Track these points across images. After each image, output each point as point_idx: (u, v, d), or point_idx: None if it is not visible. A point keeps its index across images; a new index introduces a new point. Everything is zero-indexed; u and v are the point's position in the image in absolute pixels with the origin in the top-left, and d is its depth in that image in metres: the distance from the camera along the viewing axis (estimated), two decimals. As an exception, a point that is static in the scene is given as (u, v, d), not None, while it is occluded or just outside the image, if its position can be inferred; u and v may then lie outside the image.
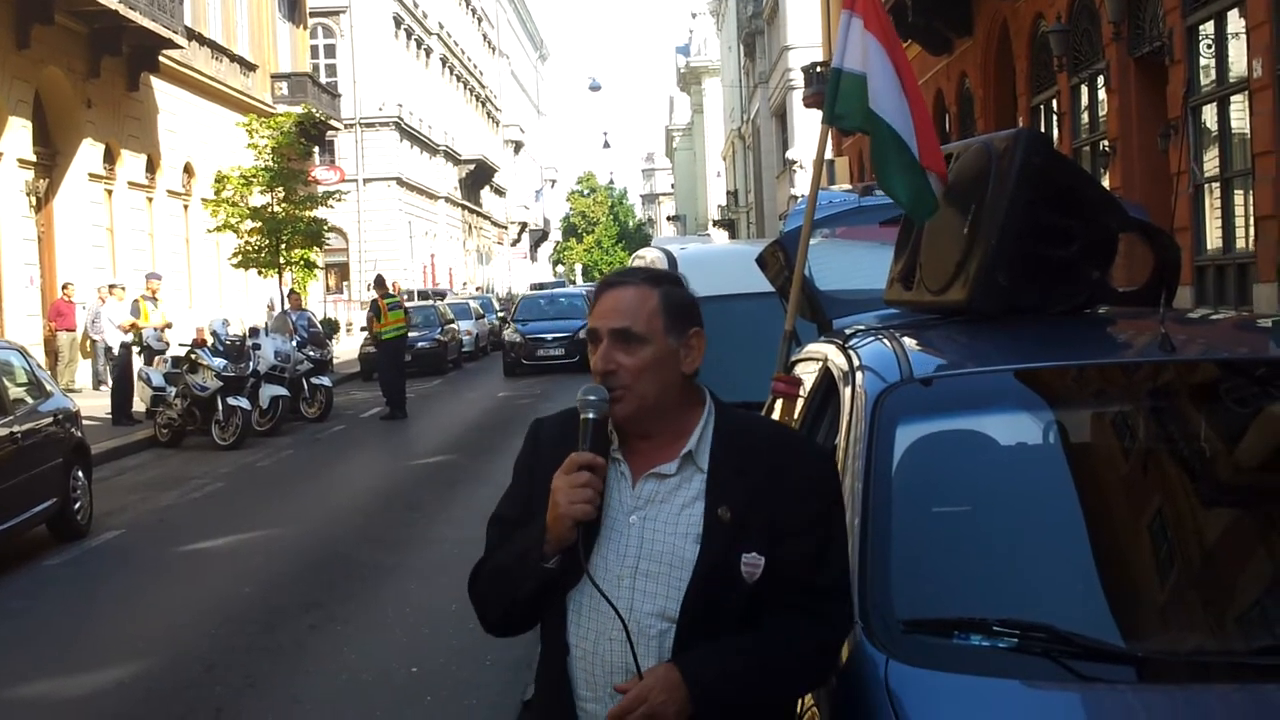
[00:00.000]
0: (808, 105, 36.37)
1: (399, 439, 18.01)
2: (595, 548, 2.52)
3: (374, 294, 21.86)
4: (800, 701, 2.82)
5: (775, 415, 4.25)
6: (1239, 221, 13.80)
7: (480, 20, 73.74)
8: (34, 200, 22.44)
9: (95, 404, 19.33)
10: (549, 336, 27.73)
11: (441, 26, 59.63)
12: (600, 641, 2.51)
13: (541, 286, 51.88)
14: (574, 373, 24.69)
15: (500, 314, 39.72)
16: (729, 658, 2.46)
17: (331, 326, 31.00)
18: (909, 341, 3.52)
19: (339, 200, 30.80)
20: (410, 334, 23.13)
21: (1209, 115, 14.20)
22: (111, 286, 21.53)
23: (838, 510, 2.63)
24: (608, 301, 2.58)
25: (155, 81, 27.19)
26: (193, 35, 28.68)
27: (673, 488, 2.55)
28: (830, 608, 2.54)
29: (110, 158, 25.49)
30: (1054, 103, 18.97)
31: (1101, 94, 17.09)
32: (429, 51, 57.66)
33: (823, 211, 4.89)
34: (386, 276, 24.21)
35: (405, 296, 24.18)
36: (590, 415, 2.51)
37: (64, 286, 22.78)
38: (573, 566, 2.50)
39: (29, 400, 10.96)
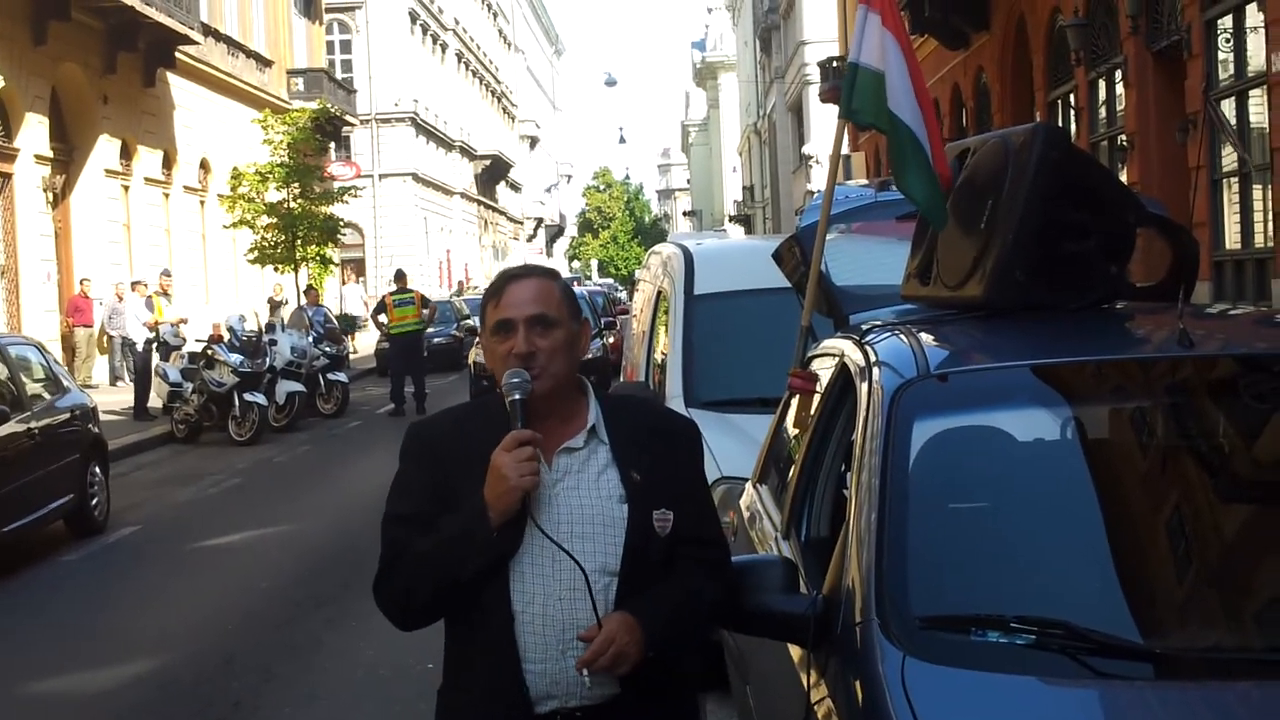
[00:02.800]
0: (824, 100, 36.24)
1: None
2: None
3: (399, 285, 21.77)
4: (814, 695, 2.85)
5: (791, 411, 4.25)
6: (1258, 216, 13.72)
7: (496, 16, 73.75)
8: (51, 196, 22.52)
9: (112, 399, 19.39)
10: None
11: (457, 22, 59.64)
12: (549, 602, 2.72)
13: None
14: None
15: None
16: (666, 603, 2.75)
17: (348, 322, 31.04)
18: (926, 337, 3.52)
19: (355, 196, 30.85)
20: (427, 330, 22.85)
21: (1228, 109, 14.13)
22: (134, 283, 21.64)
23: (704, 470, 2.97)
24: (518, 293, 2.81)
25: (171, 77, 27.26)
26: (209, 31, 28.74)
27: (583, 459, 2.80)
28: (719, 556, 2.89)
29: (127, 154, 25.57)
30: (1071, 97, 18.88)
31: (1119, 88, 17.00)
32: (444, 47, 57.70)
33: (839, 206, 4.88)
34: (408, 272, 24.06)
35: (423, 295, 23.29)
36: (517, 396, 2.73)
37: (81, 282, 22.86)
38: (515, 537, 2.72)
39: (46, 396, 11.01)
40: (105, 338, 22.95)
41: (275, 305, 24.98)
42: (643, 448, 2.82)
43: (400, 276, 21.93)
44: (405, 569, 2.79)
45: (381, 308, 21.06)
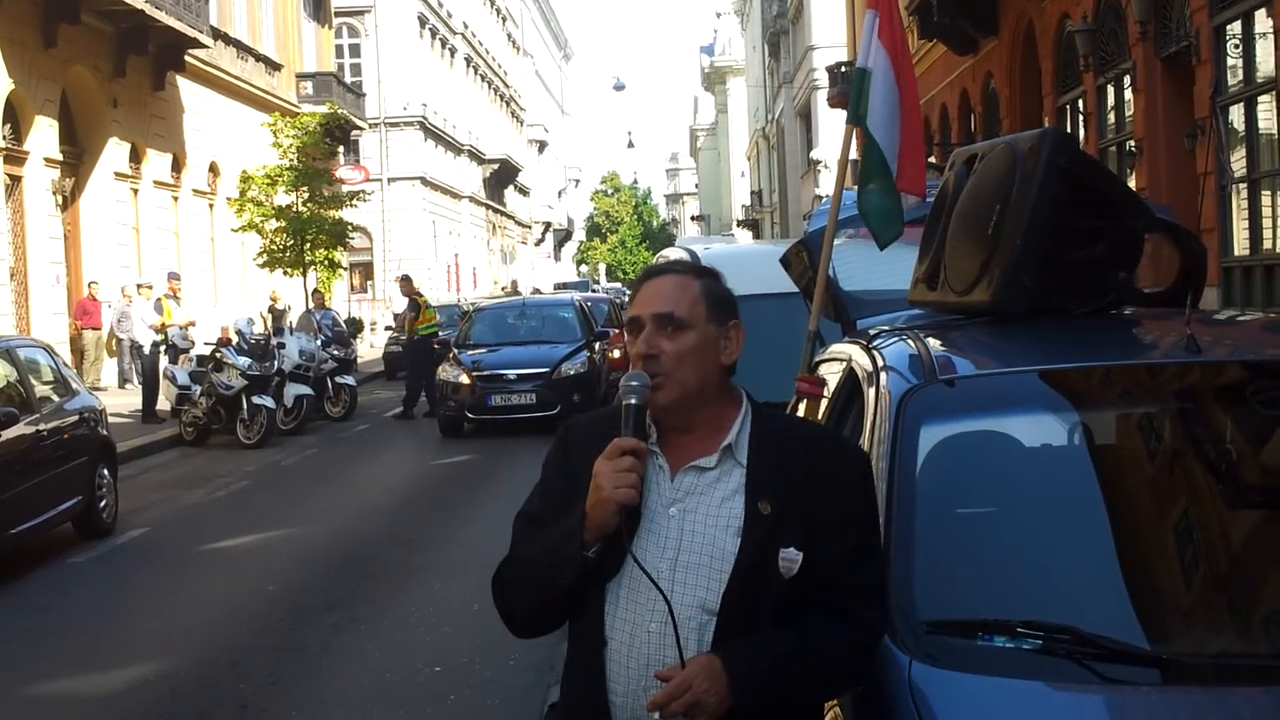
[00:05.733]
0: (832, 105, 36.25)
1: (422, 438, 18.04)
2: (635, 539, 2.51)
3: (405, 293, 21.88)
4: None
5: (799, 415, 4.26)
6: (1266, 222, 13.71)
7: (505, 20, 73.83)
8: (60, 199, 22.58)
9: (120, 402, 19.44)
10: (512, 374, 17.46)
11: (466, 26, 59.73)
12: (637, 634, 2.49)
13: (565, 286, 51.68)
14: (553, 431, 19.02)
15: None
16: (768, 653, 2.45)
17: (356, 326, 31.08)
18: (933, 342, 3.52)
19: (363, 200, 30.91)
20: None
21: (1236, 115, 14.12)
22: (140, 285, 21.74)
23: (874, 513, 2.64)
24: (650, 289, 2.60)
25: (181, 81, 27.34)
26: (218, 35, 28.82)
27: (712, 481, 2.54)
28: (865, 610, 2.53)
29: (136, 157, 25.64)
30: (1080, 103, 18.88)
31: (1128, 94, 16.99)
32: (453, 51, 57.78)
33: (847, 211, 4.88)
34: (414, 277, 24.20)
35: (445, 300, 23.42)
36: (632, 401, 2.50)
37: (89, 285, 22.94)
38: (612, 556, 2.49)
39: (55, 398, 11.03)
40: (114, 340, 23.01)
41: (278, 313, 24.92)
42: (788, 476, 2.52)
43: (406, 280, 22.03)
44: (511, 571, 2.63)
45: (416, 308, 21.18)
